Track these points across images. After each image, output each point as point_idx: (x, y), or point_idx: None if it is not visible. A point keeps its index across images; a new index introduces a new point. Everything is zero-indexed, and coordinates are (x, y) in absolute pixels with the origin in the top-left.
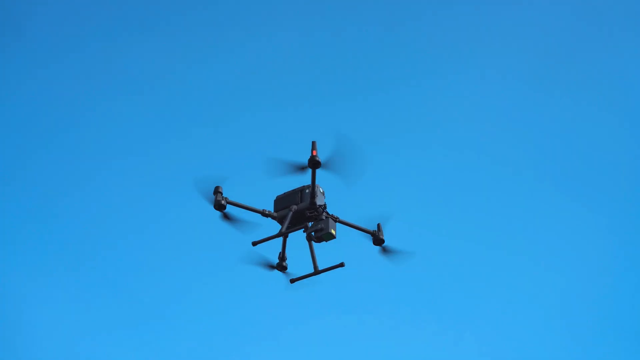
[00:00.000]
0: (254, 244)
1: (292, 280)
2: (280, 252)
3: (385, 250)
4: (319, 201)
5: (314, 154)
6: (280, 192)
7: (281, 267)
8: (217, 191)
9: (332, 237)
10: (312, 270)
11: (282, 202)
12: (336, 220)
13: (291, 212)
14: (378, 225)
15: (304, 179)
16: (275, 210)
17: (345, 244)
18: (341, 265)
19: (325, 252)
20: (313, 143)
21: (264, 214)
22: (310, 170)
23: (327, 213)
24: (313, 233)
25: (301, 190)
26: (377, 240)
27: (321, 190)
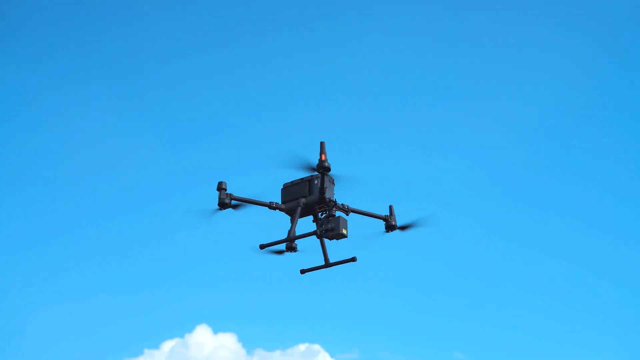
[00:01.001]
0: (262, 247)
1: (303, 271)
2: (289, 230)
3: (399, 228)
4: (329, 194)
5: (323, 158)
6: (287, 179)
7: (291, 248)
8: (220, 187)
9: (344, 236)
10: (323, 262)
11: (290, 192)
12: (347, 210)
13: (300, 208)
14: (390, 208)
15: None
16: (283, 201)
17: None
18: (353, 259)
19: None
20: (322, 144)
21: (271, 206)
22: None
23: (337, 206)
24: (324, 230)
25: (310, 180)
26: (390, 226)
27: (331, 180)
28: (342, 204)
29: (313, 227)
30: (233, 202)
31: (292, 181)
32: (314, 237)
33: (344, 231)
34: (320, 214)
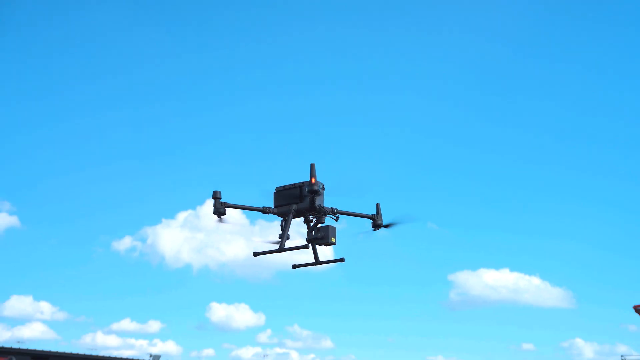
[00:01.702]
0: (256, 254)
1: (295, 266)
2: (281, 240)
3: (385, 227)
4: (319, 201)
5: (313, 181)
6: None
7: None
8: (215, 197)
9: (333, 244)
10: (313, 259)
11: (282, 196)
12: (336, 213)
13: (291, 215)
14: (377, 206)
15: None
16: (276, 205)
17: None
18: (341, 260)
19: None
20: (312, 167)
21: (264, 211)
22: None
23: (327, 211)
24: (314, 239)
25: (301, 186)
26: (376, 225)
27: (321, 186)
28: (331, 208)
29: (304, 234)
30: (228, 211)
31: (284, 186)
32: (305, 238)
33: (333, 239)
34: (311, 216)
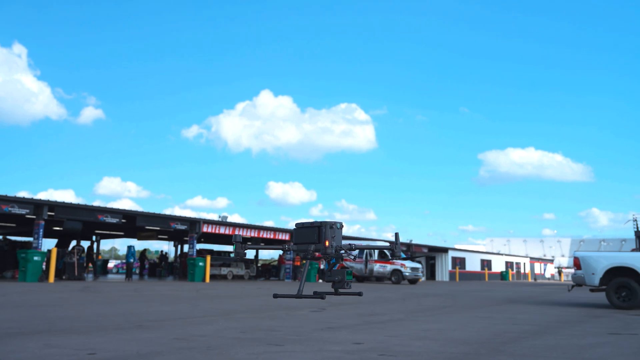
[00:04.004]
0: (275, 296)
1: (316, 293)
2: (300, 285)
3: (404, 259)
4: (336, 241)
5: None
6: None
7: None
8: (236, 240)
9: (349, 287)
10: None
11: (301, 234)
12: (354, 248)
13: (309, 257)
14: (396, 235)
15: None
16: (295, 242)
17: None
18: (359, 294)
19: None
20: (325, 227)
21: (284, 249)
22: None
23: (345, 250)
24: (332, 282)
25: (319, 227)
26: (394, 255)
27: (338, 227)
28: (349, 245)
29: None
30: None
31: (303, 223)
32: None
33: (349, 282)
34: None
